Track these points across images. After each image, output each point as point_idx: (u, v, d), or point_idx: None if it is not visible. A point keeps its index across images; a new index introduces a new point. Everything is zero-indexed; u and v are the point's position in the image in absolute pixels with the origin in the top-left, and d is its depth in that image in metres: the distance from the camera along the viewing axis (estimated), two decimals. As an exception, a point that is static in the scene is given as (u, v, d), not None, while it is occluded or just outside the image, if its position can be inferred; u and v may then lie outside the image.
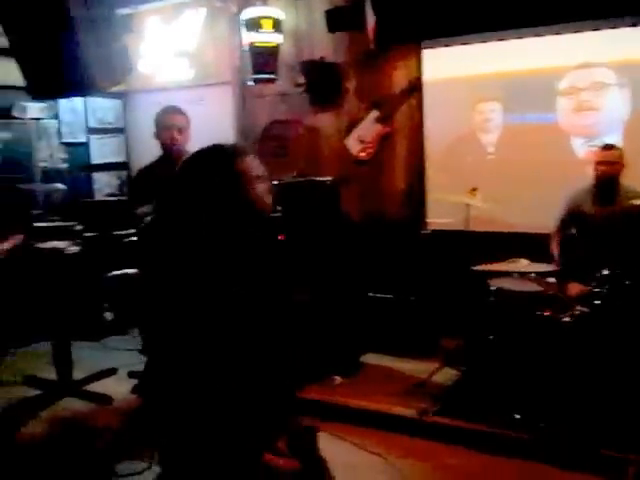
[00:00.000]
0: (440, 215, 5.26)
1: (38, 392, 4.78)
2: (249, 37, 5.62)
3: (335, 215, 5.11)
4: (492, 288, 4.08)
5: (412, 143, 5.52)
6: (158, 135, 3.95)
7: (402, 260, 5.33)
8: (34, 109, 6.44)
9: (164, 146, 3.95)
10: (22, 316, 4.71)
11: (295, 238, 4.98)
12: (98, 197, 7.12)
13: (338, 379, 4.62)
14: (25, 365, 5.18)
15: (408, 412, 4.09)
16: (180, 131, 3.89)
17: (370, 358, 5.02)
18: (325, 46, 5.79)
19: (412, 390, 4.36)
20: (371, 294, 5.19)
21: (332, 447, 3.82)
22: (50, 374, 4.88)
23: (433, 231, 5.39)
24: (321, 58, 5.79)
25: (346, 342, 4.86)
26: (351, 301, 5.00)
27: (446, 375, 4.50)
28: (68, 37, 3.85)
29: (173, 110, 3.97)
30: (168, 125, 3.89)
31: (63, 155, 6.91)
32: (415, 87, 5.45)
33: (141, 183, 4.03)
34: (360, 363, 4.93)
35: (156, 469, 3.61)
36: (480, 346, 4.13)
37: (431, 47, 5.37)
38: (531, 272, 4.09)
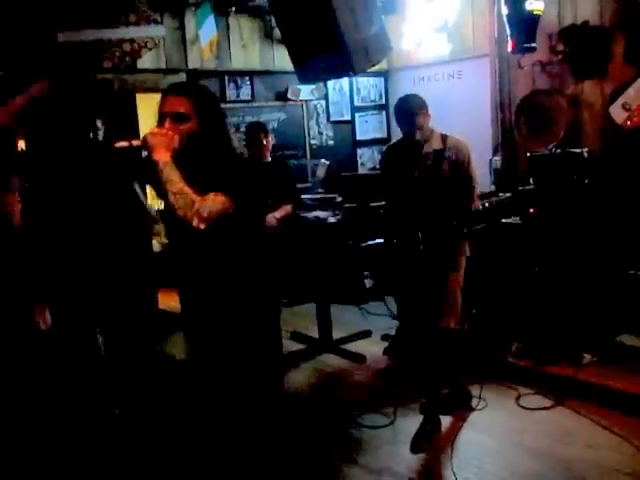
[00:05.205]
0: None
1: (302, 347, 5.37)
2: (524, 4, 5.28)
3: (594, 188, 4.87)
4: None
5: (688, 110, 5.01)
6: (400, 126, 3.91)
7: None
8: (306, 91, 7.07)
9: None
10: (294, 279, 5.25)
11: (549, 212, 4.87)
12: (362, 171, 7.58)
13: (588, 357, 4.46)
14: (293, 322, 5.71)
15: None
16: (420, 127, 3.78)
17: (627, 339, 4.72)
18: (589, 10, 5.46)
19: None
20: (632, 272, 4.87)
21: (573, 423, 3.81)
22: (313, 332, 5.43)
23: None
24: (584, 23, 5.49)
25: (600, 320, 4.64)
26: (609, 278, 4.75)
27: None
28: (329, 25, 4.22)
29: (413, 112, 3.79)
30: (410, 125, 3.80)
31: (330, 132, 7.49)
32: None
33: (389, 160, 4.19)
34: (615, 343, 4.69)
35: (398, 425, 3.91)
36: None
37: None
38: None
